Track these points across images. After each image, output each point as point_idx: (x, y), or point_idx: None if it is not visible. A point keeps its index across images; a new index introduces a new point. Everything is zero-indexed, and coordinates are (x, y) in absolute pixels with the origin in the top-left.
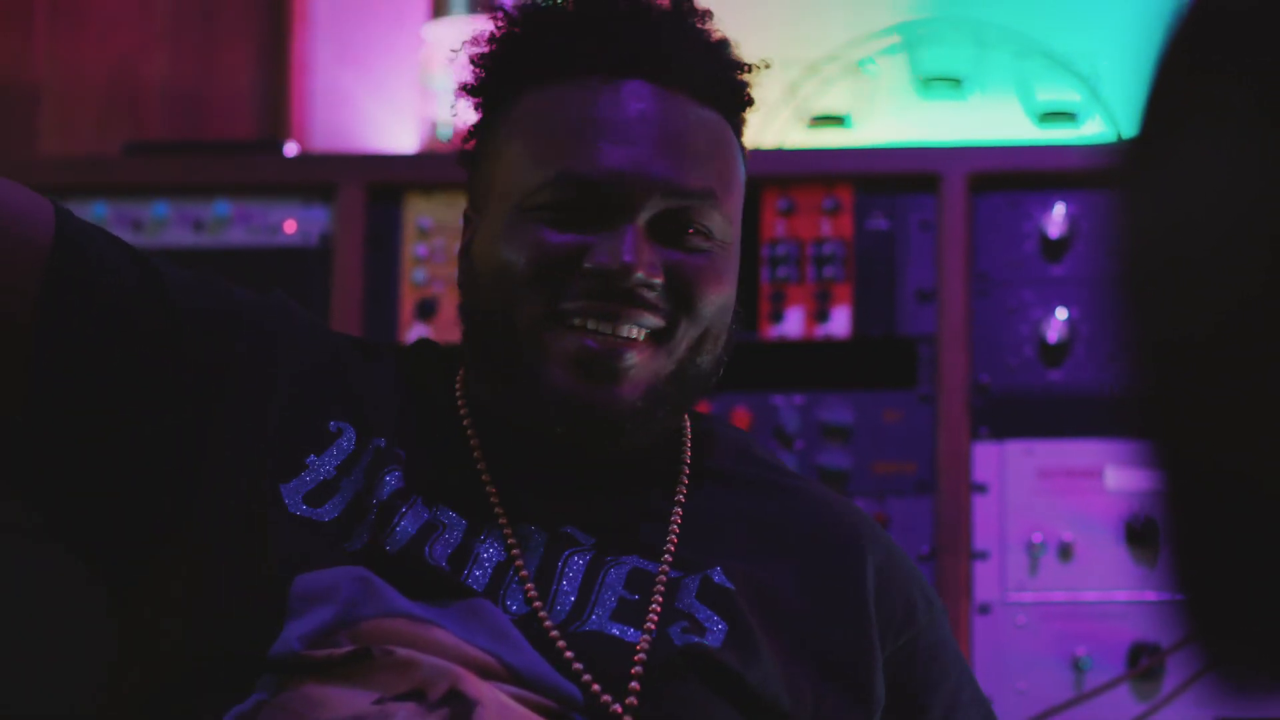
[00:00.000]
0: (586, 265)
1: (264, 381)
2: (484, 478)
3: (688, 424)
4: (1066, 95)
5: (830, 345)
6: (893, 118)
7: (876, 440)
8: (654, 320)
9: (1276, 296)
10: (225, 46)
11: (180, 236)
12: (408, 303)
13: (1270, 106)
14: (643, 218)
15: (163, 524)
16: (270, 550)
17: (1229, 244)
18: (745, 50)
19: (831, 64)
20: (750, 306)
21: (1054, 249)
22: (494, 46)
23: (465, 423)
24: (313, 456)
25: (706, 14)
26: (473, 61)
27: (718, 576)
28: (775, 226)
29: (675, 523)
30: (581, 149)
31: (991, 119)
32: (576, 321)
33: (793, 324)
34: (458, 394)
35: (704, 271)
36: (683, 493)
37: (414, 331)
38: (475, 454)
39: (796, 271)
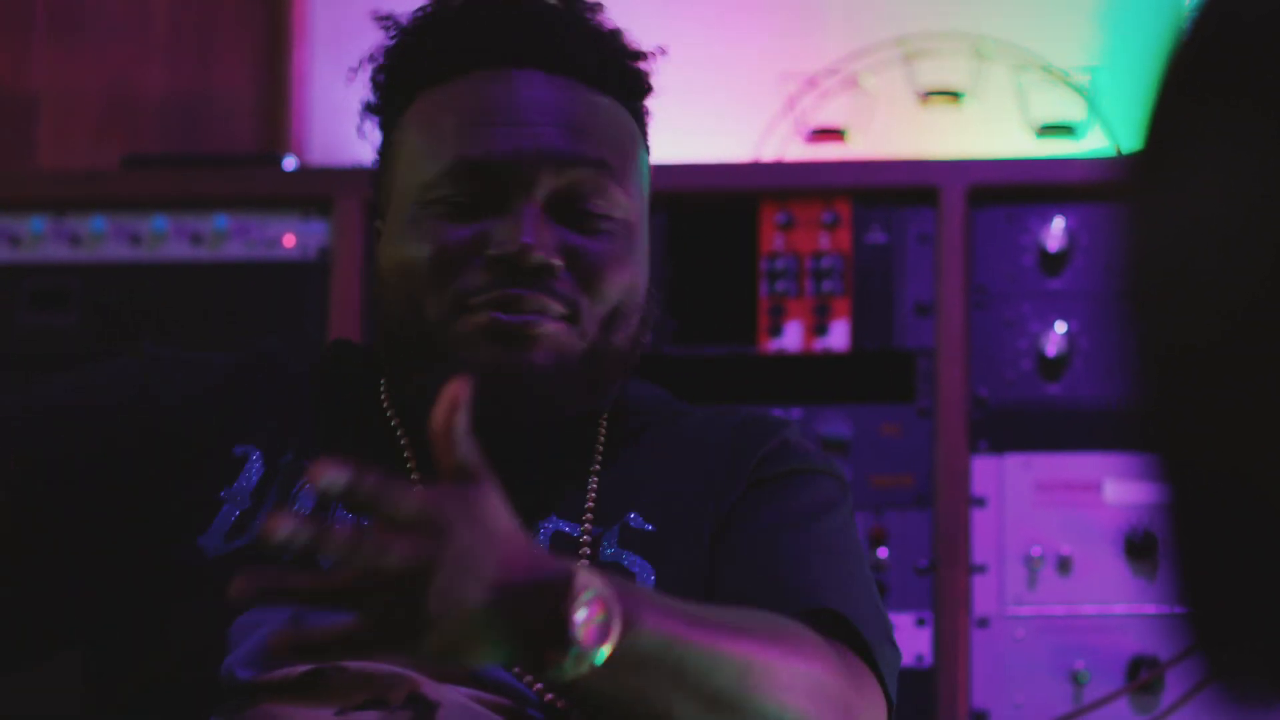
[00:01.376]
0: (488, 253)
1: (152, 440)
2: (414, 476)
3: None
4: (1065, 109)
5: (829, 359)
6: (891, 131)
7: (875, 453)
8: (556, 306)
9: None
10: (223, 59)
11: (178, 250)
12: None
13: (1276, 117)
14: (539, 197)
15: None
16: (205, 605)
17: (1235, 253)
18: (743, 63)
19: (830, 77)
20: (749, 320)
21: (1053, 263)
22: (386, 59)
23: (394, 423)
24: (224, 490)
25: (597, 6)
26: (370, 78)
27: (635, 521)
28: (774, 240)
29: (593, 487)
30: (474, 136)
31: (990, 132)
32: (483, 311)
33: (791, 338)
34: (382, 394)
35: (606, 253)
36: (599, 461)
37: None
38: (406, 453)
39: (795, 285)
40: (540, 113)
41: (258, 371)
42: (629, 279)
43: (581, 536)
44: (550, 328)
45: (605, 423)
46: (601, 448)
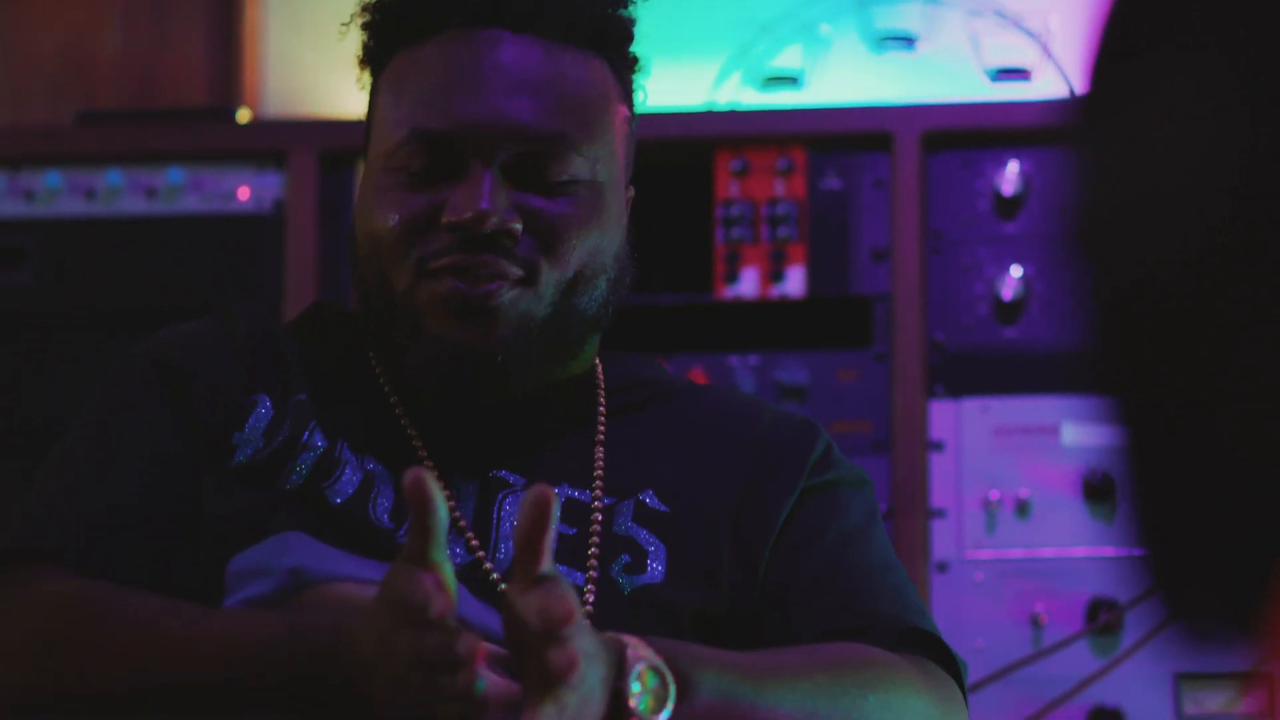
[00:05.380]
0: (445, 219)
1: (191, 437)
2: (410, 431)
3: (599, 366)
4: (1019, 53)
5: (785, 305)
6: (845, 77)
7: (832, 399)
8: (514, 269)
9: (1236, 243)
10: (177, 14)
11: (133, 205)
12: None
13: (1228, 52)
14: (496, 164)
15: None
16: (204, 534)
17: (1184, 194)
18: (696, 11)
19: (784, 24)
20: (705, 267)
21: (1008, 207)
22: (368, 13)
23: (380, 380)
24: (237, 434)
25: None
26: (361, 29)
27: (650, 500)
28: (729, 187)
29: (600, 455)
30: (432, 105)
31: (944, 77)
32: (444, 278)
33: (747, 284)
34: (369, 354)
35: (567, 216)
36: (602, 430)
37: None
38: (397, 410)
39: (751, 232)
40: (501, 80)
41: (246, 331)
42: (594, 241)
43: (593, 503)
44: (509, 295)
45: (604, 393)
46: (603, 418)
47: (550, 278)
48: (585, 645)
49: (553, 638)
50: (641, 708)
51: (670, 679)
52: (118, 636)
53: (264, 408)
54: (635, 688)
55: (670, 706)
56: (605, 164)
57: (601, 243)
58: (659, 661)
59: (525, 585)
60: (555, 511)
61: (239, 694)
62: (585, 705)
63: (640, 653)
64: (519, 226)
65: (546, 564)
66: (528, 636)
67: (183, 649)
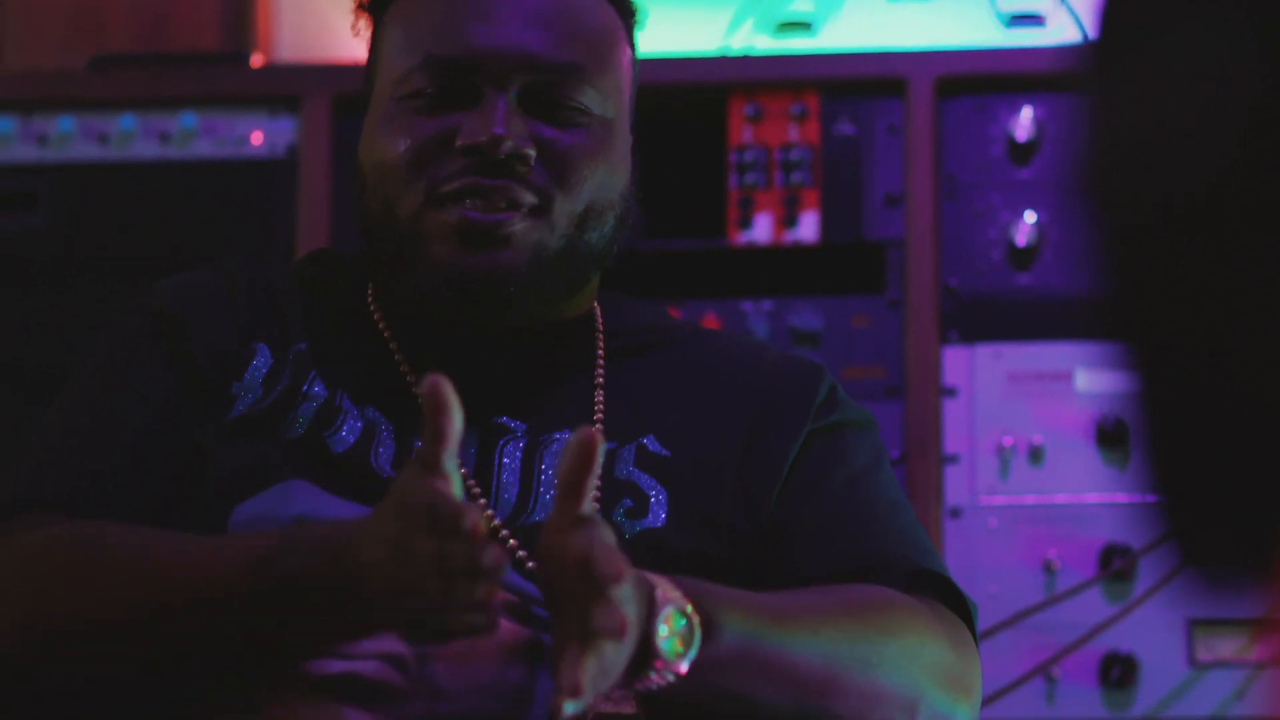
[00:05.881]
0: (458, 144)
1: (191, 383)
2: (409, 378)
3: (598, 310)
4: None
5: (798, 251)
6: (859, 23)
7: (845, 345)
8: (529, 196)
9: (1247, 183)
10: None
11: (146, 149)
12: None
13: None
14: (510, 92)
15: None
16: (206, 484)
17: (1200, 131)
18: None
19: None
20: (718, 213)
21: (1021, 152)
22: None
23: (380, 326)
24: (236, 384)
25: None
26: None
27: (652, 444)
28: (742, 133)
29: (600, 400)
30: (446, 31)
31: (958, 23)
32: (455, 202)
33: (761, 230)
34: (370, 300)
35: (579, 147)
36: (601, 373)
37: None
38: (396, 356)
39: (764, 178)
40: (515, 10)
41: (245, 280)
42: (604, 175)
43: None
44: (521, 226)
45: (603, 337)
46: (602, 362)
47: (564, 208)
48: (627, 593)
49: (598, 594)
50: (667, 649)
51: (696, 622)
52: (112, 565)
53: (263, 357)
54: (663, 630)
55: (695, 649)
56: (614, 101)
57: (611, 178)
58: (685, 603)
59: (564, 525)
60: (600, 454)
61: (236, 608)
62: (619, 653)
63: (669, 594)
64: (533, 152)
65: (587, 505)
66: (566, 579)
67: (177, 569)
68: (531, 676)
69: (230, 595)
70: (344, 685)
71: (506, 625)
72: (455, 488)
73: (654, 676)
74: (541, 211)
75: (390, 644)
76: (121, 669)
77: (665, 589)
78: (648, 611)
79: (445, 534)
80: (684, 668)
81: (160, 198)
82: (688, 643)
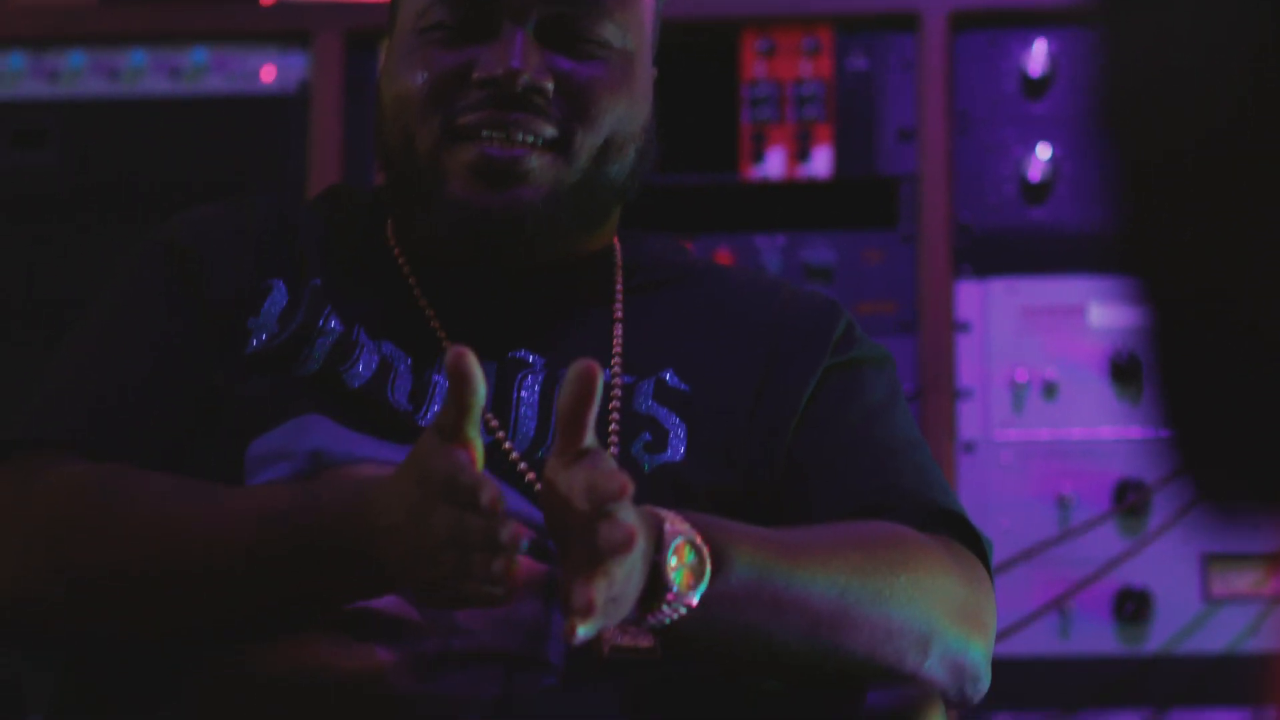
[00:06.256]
0: (476, 76)
1: (205, 316)
2: (428, 312)
3: (617, 245)
4: None
5: (811, 186)
6: None
7: (858, 280)
8: (548, 129)
9: (1259, 117)
10: None
11: (157, 85)
12: None
13: None
14: (528, 24)
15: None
16: (222, 419)
17: (1207, 70)
18: None
19: None
20: (731, 148)
21: (1035, 87)
22: None
23: (400, 260)
24: (251, 319)
25: None
26: None
27: (671, 379)
28: (755, 67)
29: (618, 334)
30: None
31: None
32: (473, 134)
33: (774, 165)
34: (388, 235)
35: (598, 79)
36: (620, 307)
37: None
38: (415, 291)
39: (777, 112)
40: None
41: (261, 215)
42: (624, 108)
43: (613, 381)
44: (539, 161)
45: (622, 271)
46: (621, 296)
47: (584, 141)
48: (631, 514)
49: (603, 513)
50: (677, 581)
51: (706, 555)
52: (130, 516)
53: (279, 292)
54: (672, 561)
55: (705, 582)
56: (635, 34)
57: (631, 111)
58: (695, 537)
59: (568, 460)
60: (600, 386)
61: (253, 564)
62: (629, 580)
63: (678, 527)
64: (550, 85)
65: (589, 438)
66: (572, 513)
67: (195, 523)
68: (547, 611)
69: (250, 553)
70: (361, 621)
71: (522, 560)
72: (478, 458)
73: (665, 609)
74: (562, 145)
75: None
76: (137, 621)
77: (674, 522)
78: (657, 544)
79: (464, 506)
80: (695, 600)
81: (171, 134)
82: (698, 575)
